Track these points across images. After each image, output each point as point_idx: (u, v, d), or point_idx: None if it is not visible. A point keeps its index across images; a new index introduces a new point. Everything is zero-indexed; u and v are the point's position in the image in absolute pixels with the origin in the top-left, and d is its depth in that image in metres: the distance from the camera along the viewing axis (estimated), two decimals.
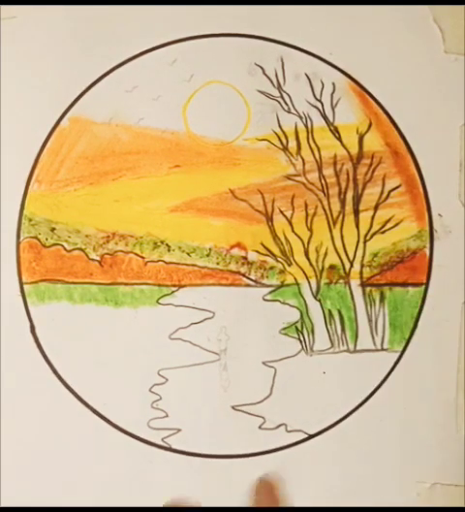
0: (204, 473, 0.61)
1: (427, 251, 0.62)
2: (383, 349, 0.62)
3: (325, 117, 0.62)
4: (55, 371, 0.60)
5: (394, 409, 0.62)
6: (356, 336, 0.62)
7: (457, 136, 0.62)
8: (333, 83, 0.62)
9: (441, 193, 0.62)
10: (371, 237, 0.62)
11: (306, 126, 0.62)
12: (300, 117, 0.62)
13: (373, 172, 0.62)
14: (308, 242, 0.62)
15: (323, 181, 0.62)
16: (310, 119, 0.62)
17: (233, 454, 0.60)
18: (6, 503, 0.60)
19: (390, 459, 0.62)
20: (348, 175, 0.62)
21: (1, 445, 0.60)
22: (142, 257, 0.61)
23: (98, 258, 0.61)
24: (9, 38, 0.60)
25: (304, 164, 0.62)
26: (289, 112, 0.62)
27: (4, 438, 0.60)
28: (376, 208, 0.62)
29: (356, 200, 0.62)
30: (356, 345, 0.62)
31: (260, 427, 0.61)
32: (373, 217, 0.62)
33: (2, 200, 0.60)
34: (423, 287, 0.62)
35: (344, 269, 0.62)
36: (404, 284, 0.62)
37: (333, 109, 0.62)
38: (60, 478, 0.60)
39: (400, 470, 0.62)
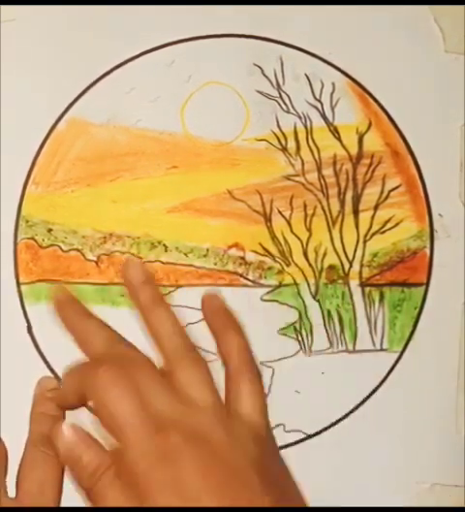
0: None
1: (427, 251, 0.62)
2: (382, 349, 0.61)
3: (324, 117, 0.62)
4: (52, 370, 0.60)
5: (394, 410, 0.61)
6: (355, 337, 0.61)
7: (458, 135, 0.62)
8: (333, 83, 0.62)
9: (441, 193, 0.62)
10: (371, 237, 0.62)
11: (305, 126, 0.62)
12: (300, 117, 0.62)
13: (373, 172, 0.62)
14: (307, 243, 0.61)
15: (322, 182, 0.61)
16: (309, 119, 0.62)
17: None
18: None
19: (390, 459, 0.61)
20: (347, 175, 0.62)
21: None
22: (140, 257, 0.60)
23: (95, 258, 0.60)
24: (6, 40, 0.60)
25: (303, 164, 0.61)
26: (288, 112, 0.62)
27: (2, 438, 0.59)
28: (376, 208, 0.62)
29: (356, 200, 0.62)
30: (355, 345, 0.61)
31: None
32: (373, 217, 0.62)
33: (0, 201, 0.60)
34: (424, 287, 0.62)
35: (343, 269, 0.61)
36: (404, 284, 0.62)
37: (333, 109, 0.62)
38: None
39: (400, 471, 0.61)
